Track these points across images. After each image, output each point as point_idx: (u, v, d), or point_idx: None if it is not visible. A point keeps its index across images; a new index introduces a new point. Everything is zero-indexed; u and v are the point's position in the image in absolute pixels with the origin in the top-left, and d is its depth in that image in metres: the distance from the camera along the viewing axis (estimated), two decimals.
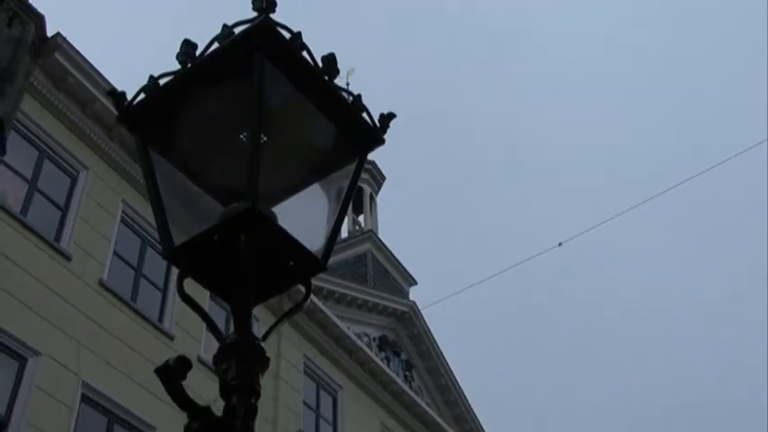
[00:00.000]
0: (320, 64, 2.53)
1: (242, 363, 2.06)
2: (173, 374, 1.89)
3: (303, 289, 2.32)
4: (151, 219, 13.47)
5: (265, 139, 2.40)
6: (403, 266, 27.37)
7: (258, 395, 2.06)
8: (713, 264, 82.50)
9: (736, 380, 72.50)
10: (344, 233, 28.80)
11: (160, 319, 14.12)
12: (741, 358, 72.54)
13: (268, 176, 2.35)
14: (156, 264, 14.75)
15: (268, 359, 2.13)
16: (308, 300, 2.32)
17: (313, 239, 2.41)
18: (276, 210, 2.38)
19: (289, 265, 2.28)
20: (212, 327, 2.16)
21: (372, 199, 30.08)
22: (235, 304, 2.18)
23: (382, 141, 2.65)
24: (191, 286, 2.30)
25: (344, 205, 2.52)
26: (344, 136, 2.61)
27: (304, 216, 2.54)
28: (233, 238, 2.17)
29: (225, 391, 2.05)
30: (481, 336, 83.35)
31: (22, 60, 11.89)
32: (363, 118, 2.61)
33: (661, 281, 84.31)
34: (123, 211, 14.30)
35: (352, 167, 2.65)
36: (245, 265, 2.15)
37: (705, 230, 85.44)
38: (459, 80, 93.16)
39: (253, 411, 2.02)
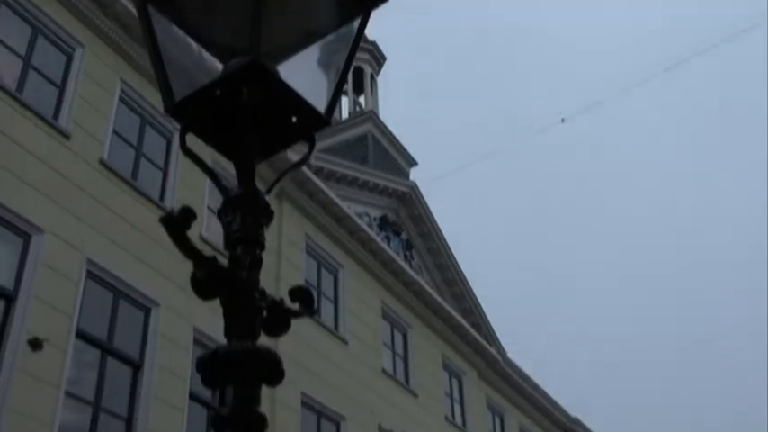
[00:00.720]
0: None
1: (247, 214, 2.05)
2: (177, 224, 1.89)
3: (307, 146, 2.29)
4: (150, 98, 13.42)
5: None
6: (403, 147, 27.31)
7: (263, 247, 2.06)
8: (715, 148, 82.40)
9: (736, 252, 73.74)
10: (345, 114, 28.63)
11: (161, 197, 14.17)
12: (741, 240, 73.48)
13: (270, 33, 2.28)
14: (156, 143, 14.72)
15: (272, 212, 2.12)
16: (312, 154, 2.29)
17: (316, 97, 2.37)
18: (279, 68, 2.32)
19: (292, 121, 2.24)
20: (216, 181, 2.14)
21: (373, 79, 29.75)
22: (238, 159, 2.15)
23: None
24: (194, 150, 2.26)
25: (348, 62, 2.45)
26: None
27: (306, 74, 2.48)
28: (235, 91, 2.12)
29: (229, 243, 2.05)
30: (482, 213, 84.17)
31: None
32: None
33: (663, 162, 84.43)
34: (122, 90, 14.15)
35: (355, 25, 2.58)
36: (247, 119, 2.12)
37: (708, 113, 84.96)
38: None
39: (258, 262, 2.03)
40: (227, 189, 2.12)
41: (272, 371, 1.92)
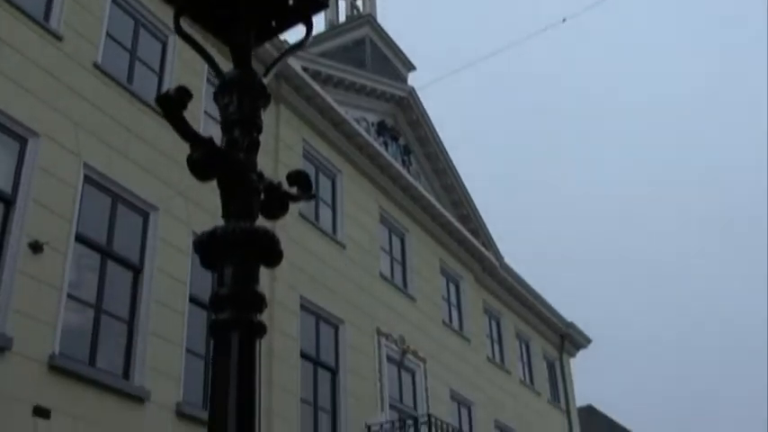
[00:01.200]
0: None
1: (244, 96, 2.01)
2: (174, 104, 1.85)
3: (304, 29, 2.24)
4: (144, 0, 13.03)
5: None
6: (402, 51, 26.93)
7: (260, 130, 2.03)
8: (717, 53, 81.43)
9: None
10: (342, 17, 28.12)
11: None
12: (740, 148, 73.48)
13: None
14: (151, 47, 14.49)
15: (269, 95, 2.09)
16: (310, 38, 2.24)
17: None
18: None
19: (289, 3, 2.19)
20: (212, 63, 2.10)
21: None
22: (234, 42, 2.10)
23: None
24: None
25: None
26: None
27: None
28: None
29: (226, 126, 2.01)
30: (481, 116, 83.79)
31: None
32: None
33: (662, 67, 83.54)
34: None
35: None
36: (244, 1, 2.06)
37: (714, 16, 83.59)
38: None
39: (255, 145, 2.00)
40: (224, 72, 2.07)
41: (271, 250, 1.91)
